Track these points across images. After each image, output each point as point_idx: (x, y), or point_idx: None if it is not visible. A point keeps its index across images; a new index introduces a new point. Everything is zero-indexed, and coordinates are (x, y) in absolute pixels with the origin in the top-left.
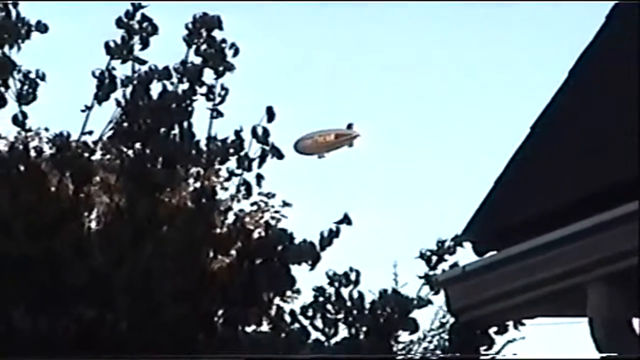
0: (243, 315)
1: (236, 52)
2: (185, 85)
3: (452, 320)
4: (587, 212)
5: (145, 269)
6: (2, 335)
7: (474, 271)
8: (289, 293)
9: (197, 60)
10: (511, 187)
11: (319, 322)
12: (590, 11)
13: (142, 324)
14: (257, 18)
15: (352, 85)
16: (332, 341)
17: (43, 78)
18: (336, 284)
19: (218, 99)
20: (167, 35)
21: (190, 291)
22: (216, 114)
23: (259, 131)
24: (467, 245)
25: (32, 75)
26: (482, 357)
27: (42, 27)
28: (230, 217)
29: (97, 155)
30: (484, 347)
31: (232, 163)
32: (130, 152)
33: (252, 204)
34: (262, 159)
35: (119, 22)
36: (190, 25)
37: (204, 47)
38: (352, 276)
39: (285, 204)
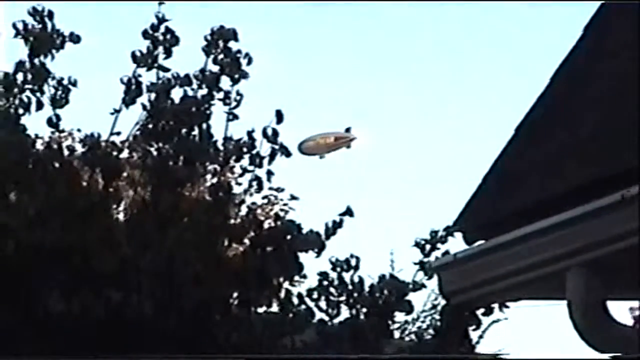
0: (255, 298)
1: (250, 61)
2: (204, 91)
3: (443, 302)
4: (565, 205)
5: (168, 256)
6: (38, 318)
7: (464, 258)
8: (296, 278)
9: (215, 68)
10: (497, 183)
11: (323, 304)
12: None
13: (165, 306)
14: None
15: (350, 90)
16: (335, 321)
17: (75, 84)
18: (338, 269)
19: (234, 104)
20: (188, 46)
21: (208, 276)
22: (232, 116)
23: (269, 132)
24: (458, 235)
25: (65, 82)
26: (483, 357)
27: (75, 38)
28: (244, 210)
29: (124, 154)
30: (472, 327)
31: (245, 161)
32: (154, 150)
33: (263, 198)
34: (272, 157)
35: (144, 34)
36: (208, 37)
37: (221, 56)
38: (353, 262)
39: (293, 198)
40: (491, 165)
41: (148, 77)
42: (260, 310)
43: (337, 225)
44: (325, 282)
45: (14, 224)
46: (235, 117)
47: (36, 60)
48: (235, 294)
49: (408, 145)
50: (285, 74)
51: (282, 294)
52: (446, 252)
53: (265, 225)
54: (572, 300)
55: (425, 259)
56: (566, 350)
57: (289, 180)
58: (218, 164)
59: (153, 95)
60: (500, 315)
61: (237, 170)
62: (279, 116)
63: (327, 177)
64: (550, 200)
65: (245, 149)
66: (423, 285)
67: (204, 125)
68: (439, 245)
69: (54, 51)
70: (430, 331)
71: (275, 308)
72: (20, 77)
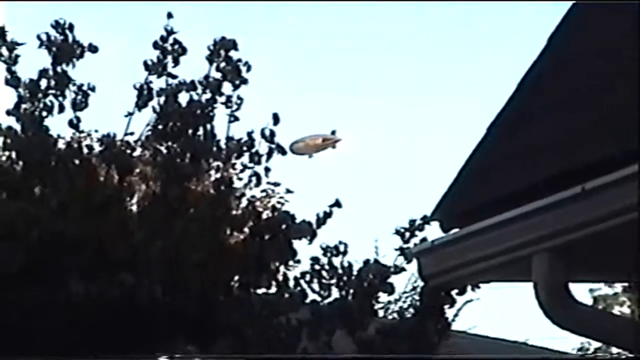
0: (254, 281)
1: (249, 69)
2: (207, 96)
3: (422, 284)
4: (532, 197)
5: (176, 244)
6: (61, 299)
7: (441, 244)
8: (291, 262)
9: (217, 75)
10: (470, 178)
11: (315, 286)
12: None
13: (173, 289)
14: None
15: (335, 93)
16: (326, 301)
17: (93, 89)
18: (329, 254)
19: (235, 107)
20: (194, 55)
21: (212, 261)
22: (233, 118)
23: (267, 133)
24: (435, 223)
25: (85, 87)
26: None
27: (93, 48)
28: (244, 202)
29: (137, 152)
30: (448, 306)
31: (245, 158)
32: (163, 149)
33: (261, 191)
34: (269, 154)
35: (155, 45)
36: (211, 47)
37: (222, 64)
38: (342, 248)
39: (288, 191)
40: (464, 161)
41: (158, 83)
42: (259, 291)
43: (327, 215)
44: (317, 267)
45: (39, 214)
46: (236, 119)
47: (58, 68)
48: (236, 278)
49: (388, 145)
50: (279, 82)
51: (279, 277)
52: (424, 239)
53: (264, 216)
54: (537, 282)
55: (405, 245)
56: (532, 327)
57: (284, 176)
58: (221, 161)
59: (162, 100)
60: (473, 296)
61: (238, 166)
62: (276, 118)
63: (316, 174)
64: (517, 192)
65: (245, 148)
66: (403, 269)
67: (208, 126)
68: (417, 232)
69: (74, 60)
70: (411, 310)
71: (272, 290)
72: (44, 83)
